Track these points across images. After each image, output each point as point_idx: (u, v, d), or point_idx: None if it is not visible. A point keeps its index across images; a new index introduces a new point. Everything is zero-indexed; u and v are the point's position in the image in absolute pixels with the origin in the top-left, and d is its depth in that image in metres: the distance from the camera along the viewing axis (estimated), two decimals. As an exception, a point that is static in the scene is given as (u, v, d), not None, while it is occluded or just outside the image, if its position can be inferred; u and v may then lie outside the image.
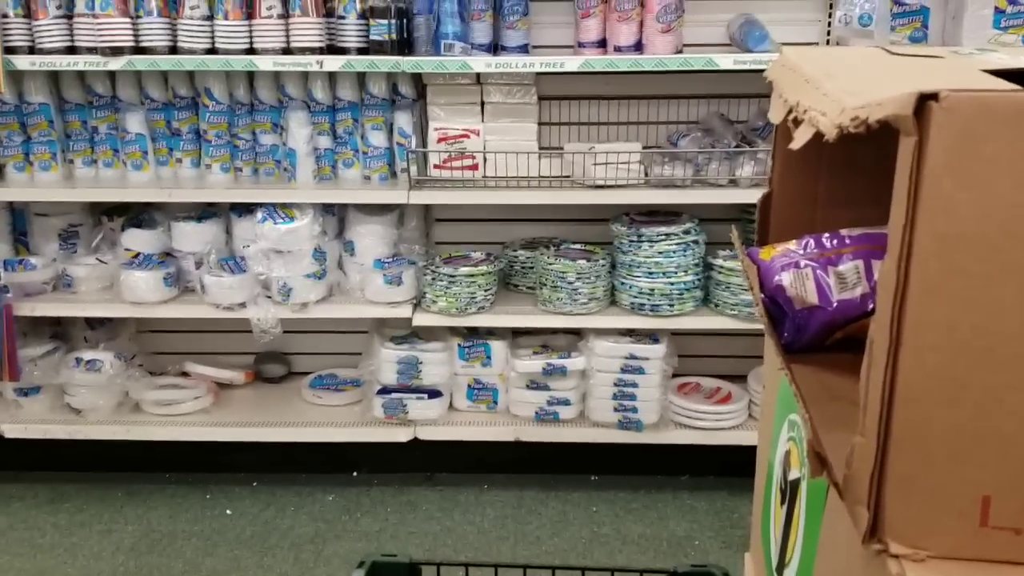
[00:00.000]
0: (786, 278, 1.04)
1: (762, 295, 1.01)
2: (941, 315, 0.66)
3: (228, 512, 2.57)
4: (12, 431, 2.59)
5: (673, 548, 2.34)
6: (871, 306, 0.99)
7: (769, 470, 1.10)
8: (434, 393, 2.58)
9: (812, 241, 1.03)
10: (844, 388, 0.94)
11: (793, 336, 1.01)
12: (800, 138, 0.88)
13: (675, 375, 2.55)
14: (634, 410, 2.48)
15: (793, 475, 0.98)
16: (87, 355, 2.61)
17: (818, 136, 0.90)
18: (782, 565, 0.99)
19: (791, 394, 1.01)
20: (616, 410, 2.49)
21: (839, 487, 0.77)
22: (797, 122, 0.91)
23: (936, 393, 0.67)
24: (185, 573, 2.30)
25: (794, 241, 1.04)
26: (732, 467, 2.59)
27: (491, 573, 1.00)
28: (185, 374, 2.79)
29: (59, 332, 2.73)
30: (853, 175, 1.14)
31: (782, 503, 1.01)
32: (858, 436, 0.72)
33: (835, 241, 1.02)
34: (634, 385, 2.46)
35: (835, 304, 1.01)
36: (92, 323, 2.71)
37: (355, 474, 2.73)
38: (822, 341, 1.02)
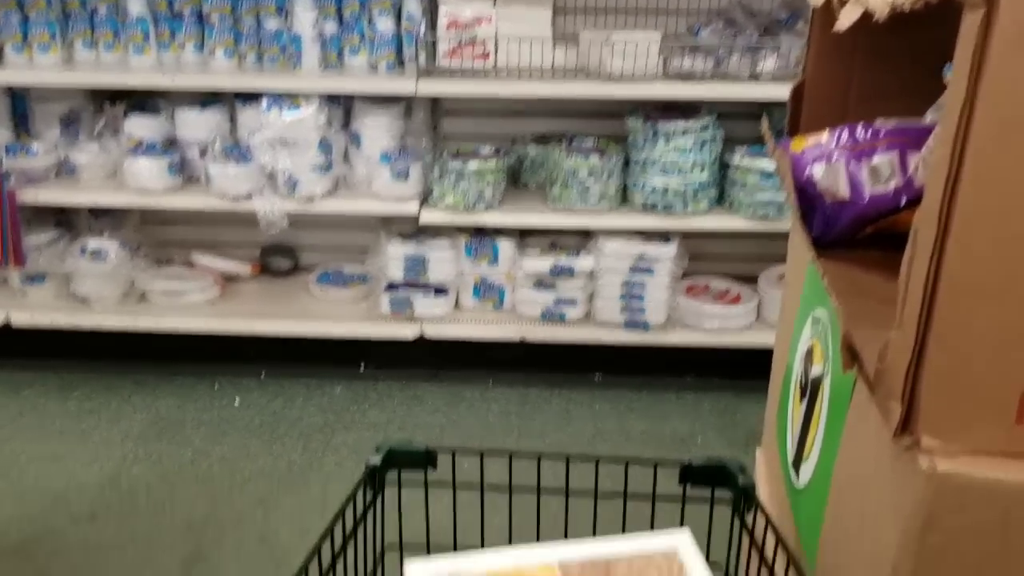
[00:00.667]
0: (817, 171, 1.00)
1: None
2: (994, 205, 0.63)
3: (236, 402, 2.59)
4: (19, 319, 2.59)
5: (675, 445, 2.37)
6: (904, 201, 0.96)
7: (788, 368, 1.08)
8: (440, 291, 2.57)
9: (845, 132, 0.99)
10: (873, 284, 0.92)
11: (822, 230, 0.99)
12: (846, 18, 0.83)
13: (684, 276, 2.54)
14: (641, 310, 2.47)
15: (815, 372, 0.96)
16: (92, 244, 2.59)
17: (855, 25, 0.86)
18: (799, 460, 0.98)
19: (817, 290, 0.99)
20: (623, 311, 2.48)
21: (870, 382, 0.75)
22: (843, 2, 0.86)
23: (981, 287, 0.64)
24: (195, 460, 2.33)
25: (826, 132, 1.00)
26: (737, 368, 2.59)
27: (505, 461, 0.99)
28: (191, 265, 2.77)
29: (63, 220, 2.70)
30: (888, 67, 1.10)
31: (801, 400, 1.00)
32: (894, 330, 0.70)
33: (869, 133, 0.98)
34: (642, 286, 2.44)
35: (867, 198, 0.97)
36: (96, 212, 2.68)
37: (362, 368, 2.74)
38: (852, 236, 0.99)
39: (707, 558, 1.06)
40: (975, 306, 0.65)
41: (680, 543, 0.57)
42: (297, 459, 2.34)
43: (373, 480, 0.96)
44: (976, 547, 0.67)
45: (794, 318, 1.09)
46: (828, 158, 0.99)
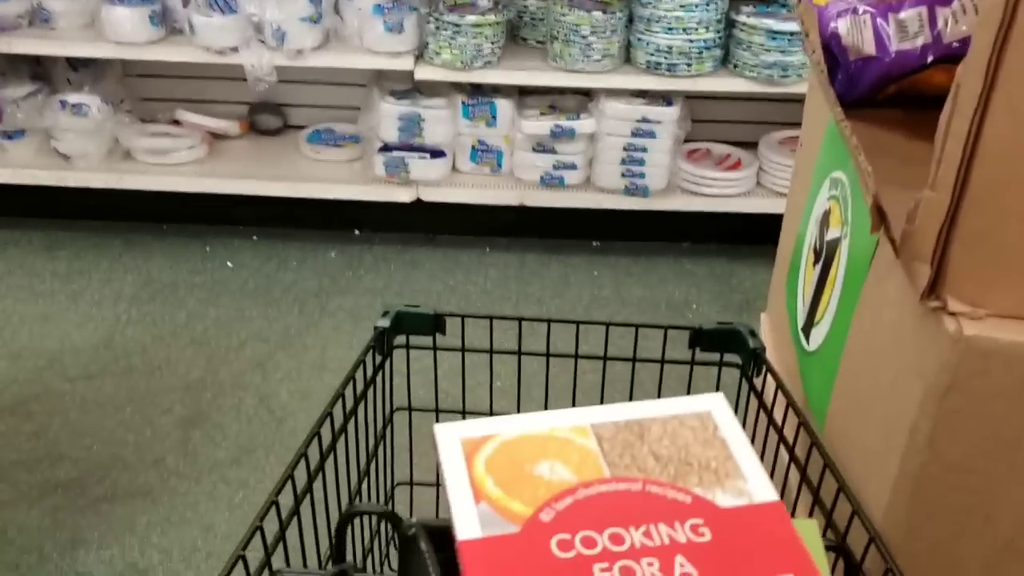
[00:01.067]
0: (842, 25, 0.95)
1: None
2: (1049, 57, 0.59)
3: (229, 264, 2.56)
4: (0, 176, 2.53)
5: (671, 310, 2.37)
6: (931, 58, 0.92)
7: (800, 231, 1.06)
8: (437, 153, 2.51)
9: (874, -17, 0.93)
10: (896, 144, 0.89)
11: (844, 90, 0.94)
12: None
13: (685, 140, 2.48)
14: (642, 175, 2.43)
15: (831, 235, 0.94)
16: (72, 98, 2.49)
17: None
18: (810, 324, 0.97)
19: (837, 152, 0.95)
20: (623, 175, 2.44)
21: (895, 244, 0.73)
22: None
23: (1026, 145, 0.62)
24: (189, 322, 2.33)
25: (854, -17, 0.94)
26: (734, 234, 2.58)
27: (514, 326, 0.97)
28: (177, 122, 2.69)
29: (40, 73, 2.59)
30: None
31: (815, 264, 0.98)
32: (926, 190, 0.68)
33: (899, -16, 0.92)
34: (644, 150, 2.39)
35: (893, 55, 0.93)
36: (75, 64, 2.57)
37: (357, 232, 2.71)
38: (874, 95, 0.95)
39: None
40: (1017, 167, 0.62)
41: (714, 406, 0.56)
42: (293, 323, 2.33)
43: (382, 343, 0.95)
44: (996, 410, 0.66)
45: (809, 182, 1.06)
46: (854, 11, 0.94)
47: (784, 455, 0.89)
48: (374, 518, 1.01)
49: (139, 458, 1.91)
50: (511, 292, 2.47)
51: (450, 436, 0.53)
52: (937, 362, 0.67)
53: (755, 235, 2.56)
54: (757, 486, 0.51)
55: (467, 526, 0.47)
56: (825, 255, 0.95)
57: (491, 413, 1.04)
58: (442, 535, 0.50)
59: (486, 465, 0.51)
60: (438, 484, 1.09)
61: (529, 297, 2.44)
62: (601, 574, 0.45)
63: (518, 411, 1.04)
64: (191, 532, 1.73)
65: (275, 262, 2.57)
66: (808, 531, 0.50)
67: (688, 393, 1.04)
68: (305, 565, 0.78)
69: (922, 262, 0.68)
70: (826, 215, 0.97)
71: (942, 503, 0.70)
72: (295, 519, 0.74)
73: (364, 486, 0.95)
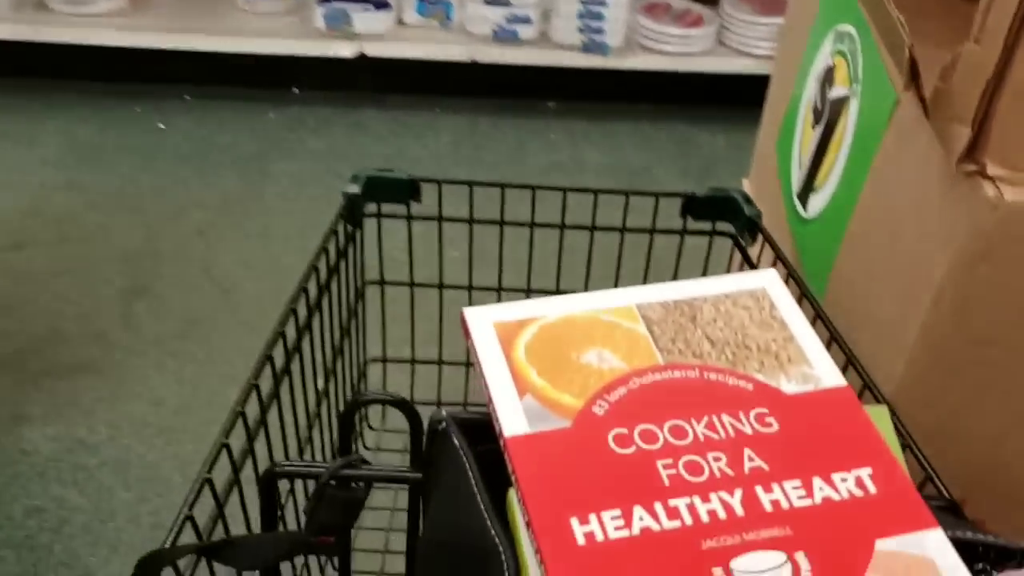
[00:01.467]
0: None
1: None
2: None
3: (161, 126, 2.41)
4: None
5: (631, 177, 2.31)
6: None
7: (795, 91, 1.00)
8: (381, 4, 2.36)
9: None
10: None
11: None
12: None
13: (644, -5, 2.37)
14: (600, 31, 2.32)
15: (836, 93, 0.88)
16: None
17: None
18: (808, 190, 0.92)
19: (843, 2, 0.88)
20: (581, 31, 2.32)
21: (926, 102, 0.68)
22: None
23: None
24: (123, 188, 2.20)
25: None
26: (695, 96, 2.51)
27: (497, 193, 0.91)
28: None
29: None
30: None
31: (815, 125, 0.93)
32: (969, 43, 0.62)
33: None
34: (602, 3, 2.27)
35: None
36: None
37: (296, 91, 2.56)
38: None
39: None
40: (1080, 16, 0.57)
41: (768, 283, 0.51)
42: (234, 189, 2.22)
43: (352, 212, 0.88)
44: (1028, 281, 0.63)
45: (805, 36, 0.99)
46: None
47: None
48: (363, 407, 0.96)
49: (80, 331, 1.82)
50: (464, 157, 2.37)
51: (482, 320, 0.46)
52: (970, 229, 0.63)
53: (716, 97, 2.49)
54: (823, 370, 0.46)
55: (513, 421, 0.42)
56: (828, 115, 0.89)
57: (470, 287, 0.99)
58: (472, 428, 0.45)
59: (527, 353, 0.45)
60: (412, 361, 1.05)
61: (484, 162, 2.36)
62: (665, 471, 0.41)
63: (499, 285, 0.99)
64: (140, 407, 1.67)
65: (210, 124, 2.43)
66: (880, 418, 0.46)
67: (678, 264, 1.00)
68: (292, 453, 0.73)
69: (960, 123, 0.62)
70: (829, 72, 0.91)
71: (959, 376, 0.68)
72: (275, 403, 0.68)
73: (338, 365, 0.90)
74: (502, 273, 0.97)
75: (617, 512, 0.39)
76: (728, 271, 0.97)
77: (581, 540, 0.38)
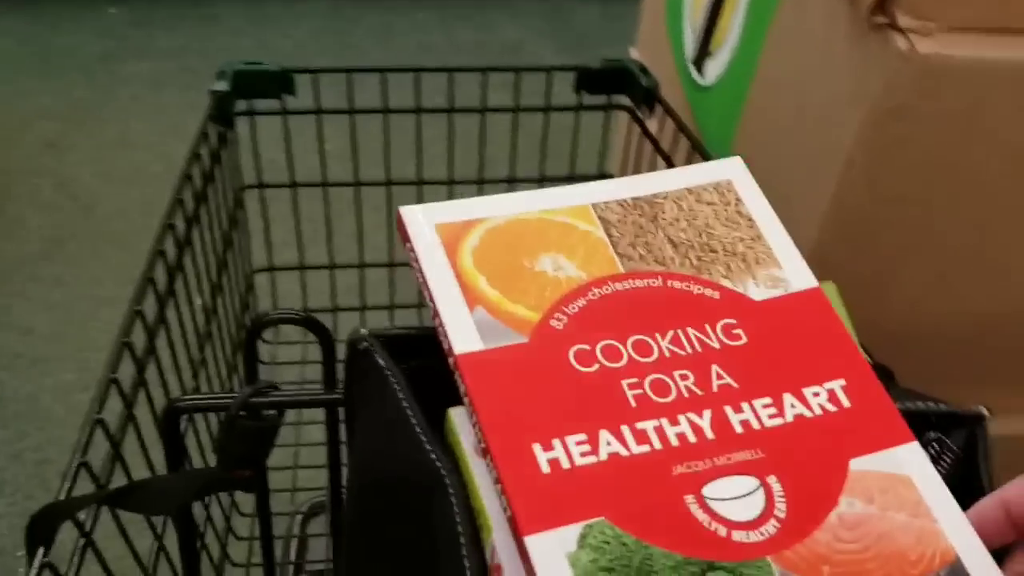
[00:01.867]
0: None
1: None
2: None
3: (-10, 31, 2.19)
4: None
5: (507, 53, 2.24)
6: None
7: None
8: None
9: None
10: None
11: None
12: None
13: None
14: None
15: (728, -47, 0.84)
16: None
17: None
18: (704, 56, 0.89)
19: None
20: (442, -99, 2.20)
21: (831, -45, 0.65)
22: None
23: None
24: (-46, 103, 2.00)
25: None
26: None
27: (410, 80, 0.85)
28: None
29: None
30: None
31: (707, -14, 0.89)
32: None
33: None
34: None
35: None
36: None
37: (137, -17, 2.36)
38: None
39: (601, 171, 0.99)
40: None
41: (734, 174, 0.47)
42: (83, 95, 2.04)
43: (221, 111, 0.80)
44: (942, 135, 0.62)
45: None
46: None
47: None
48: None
49: (-74, 263, 1.67)
50: (330, 44, 2.25)
51: (422, 222, 0.41)
52: (881, 85, 0.61)
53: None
54: (793, 272, 0.43)
55: (464, 336, 0.38)
56: (721, -24, 0.85)
57: (357, 182, 0.92)
58: (398, 344, 0.40)
59: (474, 258, 0.40)
60: (301, 268, 0.99)
61: (352, 48, 2.24)
62: (631, 391, 0.37)
63: (387, 179, 0.93)
64: (8, 337, 1.56)
65: (45, 24, 2.21)
66: (829, 293, 0.44)
67: (575, 142, 0.96)
68: (186, 378, 0.67)
69: (868, -27, 0.59)
70: (719, -72, 0.86)
71: (875, 238, 0.67)
72: (162, 327, 0.62)
73: (224, 279, 0.83)
74: (390, 166, 0.92)
75: (583, 436, 0.36)
76: (627, 147, 0.94)
77: (545, 468, 0.34)
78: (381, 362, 0.39)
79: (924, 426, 0.41)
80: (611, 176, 0.98)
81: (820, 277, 0.69)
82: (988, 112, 0.61)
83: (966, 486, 0.38)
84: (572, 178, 0.96)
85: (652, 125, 0.88)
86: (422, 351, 0.41)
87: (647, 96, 0.88)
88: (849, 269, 0.68)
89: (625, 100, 0.90)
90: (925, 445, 0.41)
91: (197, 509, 0.53)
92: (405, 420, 0.37)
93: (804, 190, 0.69)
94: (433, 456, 0.37)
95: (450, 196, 0.93)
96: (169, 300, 0.64)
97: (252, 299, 0.96)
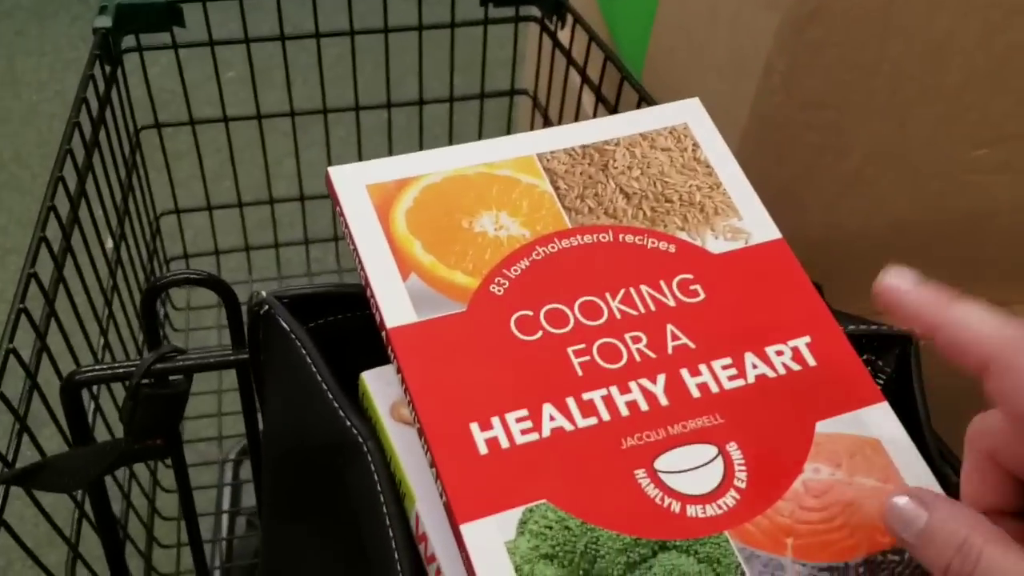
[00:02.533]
0: None
1: None
2: None
3: None
4: None
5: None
6: None
7: None
8: None
9: None
10: None
11: None
12: None
13: None
14: None
15: None
16: None
17: None
18: (613, -38, 0.86)
19: None
20: None
21: None
22: None
23: None
24: None
25: None
26: None
27: (308, 3, 0.80)
28: None
29: None
30: None
31: None
32: None
33: None
34: None
35: None
36: None
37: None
38: None
39: (512, 87, 0.96)
40: None
41: (690, 116, 0.44)
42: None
43: (108, 49, 0.74)
44: (858, 36, 0.61)
45: None
46: None
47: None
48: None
49: None
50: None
51: (352, 182, 0.37)
52: (796, -11, 0.59)
53: None
54: (754, 222, 0.40)
55: (396, 308, 0.35)
56: None
57: (258, 115, 0.88)
58: (303, 304, 0.38)
59: (408, 222, 0.36)
60: (209, 208, 0.94)
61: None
62: (577, 359, 0.35)
63: (291, 110, 0.89)
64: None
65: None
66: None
67: (484, 61, 0.92)
68: (94, 340, 0.64)
69: None
70: None
71: (793, 144, 0.66)
72: (60, 287, 0.58)
73: (127, 227, 0.79)
74: (292, 96, 0.87)
75: (524, 412, 0.33)
76: (539, 61, 0.91)
77: (483, 448, 0.32)
78: (285, 325, 0.37)
79: (856, 349, 0.41)
80: (525, 92, 0.95)
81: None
82: (902, 9, 0.60)
83: (900, 408, 0.37)
84: (484, 95, 0.93)
85: (564, 36, 0.85)
86: (329, 308, 0.39)
87: (556, 6, 0.85)
88: (769, 176, 0.67)
89: (534, 11, 0.87)
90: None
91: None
92: (316, 385, 0.35)
93: (722, 99, 0.67)
94: (349, 423, 0.34)
95: (357, 122, 0.90)
96: (66, 258, 0.60)
97: (159, 244, 0.92)
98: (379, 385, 0.37)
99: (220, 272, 1.02)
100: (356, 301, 0.39)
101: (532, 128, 0.95)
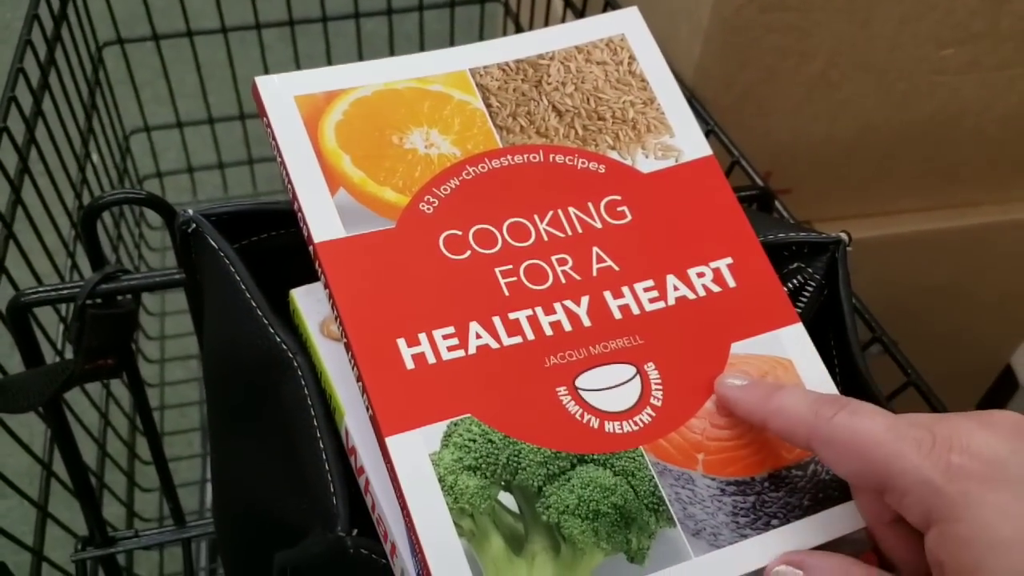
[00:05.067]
0: None
1: None
2: None
3: None
4: None
5: None
6: None
7: None
8: None
9: None
10: None
11: None
12: None
13: None
14: None
15: None
16: None
17: None
18: None
19: None
20: None
21: None
22: None
23: None
24: None
25: None
26: None
27: None
28: None
29: None
30: None
31: None
32: None
33: None
34: None
35: None
36: None
37: None
38: None
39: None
40: None
41: (628, 26, 0.42)
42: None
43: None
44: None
45: None
46: None
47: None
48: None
49: None
50: None
51: (279, 93, 0.37)
52: None
53: None
54: (685, 139, 0.39)
55: (324, 223, 0.34)
56: None
57: (223, 29, 0.86)
58: (232, 222, 0.38)
59: (337, 135, 0.36)
60: (179, 125, 0.93)
61: None
62: (504, 279, 0.35)
63: (256, 22, 0.87)
64: None
65: None
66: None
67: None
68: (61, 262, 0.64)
69: None
70: None
71: (756, 48, 0.65)
72: (19, 209, 0.58)
73: (92, 146, 0.78)
74: (257, 10, 0.85)
75: (451, 330, 0.33)
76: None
77: (410, 364, 0.32)
78: (214, 243, 0.37)
79: (787, 258, 0.41)
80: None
81: (707, 91, 0.67)
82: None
83: (829, 314, 0.37)
84: (455, 3, 0.91)
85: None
86: (259, 226, 0.39)
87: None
88: (732, 81, 0.66)
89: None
90: (788, 278, 0.41)
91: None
92: (246, 303, 0.35)
93: (685, 2, 0.66)
94: (278, 339, 0.35)
95: (325, 33, 0.88)
96: (23, 179, 0.60)
97: (130, 163, 0.91)
98: (308, 301, 0.37)
99: (196, 192, 1.02)
100: (285, 218, 0.39)
101: (504, 35, 0.93)
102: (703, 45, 0.65)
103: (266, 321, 0.35)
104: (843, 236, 0.40)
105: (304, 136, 0.36)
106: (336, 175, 0.36)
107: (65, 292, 0.43)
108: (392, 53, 0.91)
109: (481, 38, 0.95)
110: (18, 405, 0.45)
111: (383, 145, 0.37)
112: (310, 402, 0.34)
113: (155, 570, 0.85)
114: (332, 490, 0.32)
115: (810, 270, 0.40)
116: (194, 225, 0.37)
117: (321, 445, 0.33)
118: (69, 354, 0.60)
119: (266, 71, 0.88)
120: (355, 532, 0.32)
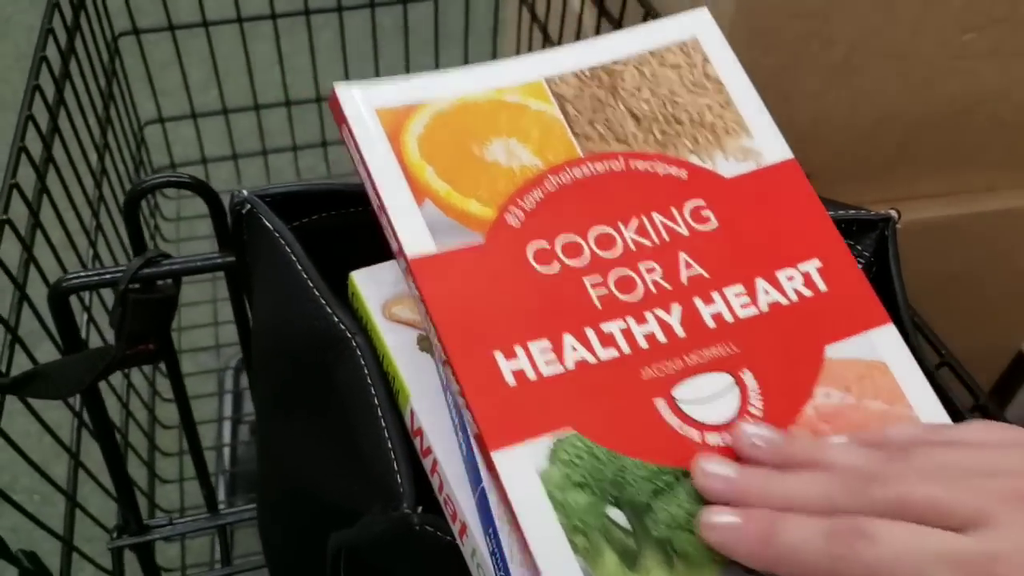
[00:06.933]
0: None
1: None
2: None
3: None
4: None
5: None
6: None
7: None
8: None
9: None
10: None
11: None
12: None
13: None
14: None
15: None
16: None
17: None
18: None
19: None
20: None
21: None
22: None
23: None
24: None
25: None
26: None
27: None
28: None
29: None
30: None
31: None
32: None
33: None
34: None
35: None
36: None
37: None
38: None
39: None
40: None
41: (700, 29, 0.41)
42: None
43: (77, -47, 0.72)
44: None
45: None
46: None
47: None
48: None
49: None
50: None
51: (361, 105, 0.36)
52: None
53: None
54: (765, 141, 0.39)
55: (415, 237, 0.34)
56: None
57: (239, 19, 0.86)
58: (285, 203, 0.38)
59: (420, 148, 0.35)
60: (193, 116, 0.93)
61: None
62: (595, 291, 0.34)
63: (272, 12, 0.87)
64: None
65: None
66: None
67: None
68: (83, 251, 0.64)
69: None
70: None
71: (780, 34, 0.65)
72: (44, 197, 0.58)
73: (110, 135, 0.78)
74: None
75: (546, 343, 0.33)
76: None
77: (511, 380, 0.32)
78: (269, 224, 0.37)
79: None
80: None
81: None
82: None
83: (879, 290, 0.37)
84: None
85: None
86: (313, 207, 0.39)
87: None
88: (756, 66, 0.66)
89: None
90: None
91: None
92: (302, 283, 0.35)
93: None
94: (336, 318, 0.35)
95: (341, 24, 0.88)
96: (48, 169, 0.60)
97: (145, 154, 0.91)
98: (369, 284, 0.37)
99: (209, 183, 1.02)
100: (339, 198, 0.39)
101: (519, 25, 0.93)
102: (728, 31, 0.65)
103: (323, 301, 0.35)
104: (893, 213, 0.41)
105: (388, 149, 0.35)
106: (421, 187, 0.35)
107: (108, 277, 0.43)
108: (407, 41, 0.91)
109: (496, 30, 0.95)
110: (57, 392, 0.44)
111: (465, 157, 0.36)
112: (370, 381, 0.34)
113: (169, 564, 0.85)
114: (396, 468, 0.32)
115: (859, 247, 0.40)
116: (248, 206, 0.37)
117: (383, 423, 0.33)
118: (93, 342, 0.61)
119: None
120: (420, 510, 0.32)
